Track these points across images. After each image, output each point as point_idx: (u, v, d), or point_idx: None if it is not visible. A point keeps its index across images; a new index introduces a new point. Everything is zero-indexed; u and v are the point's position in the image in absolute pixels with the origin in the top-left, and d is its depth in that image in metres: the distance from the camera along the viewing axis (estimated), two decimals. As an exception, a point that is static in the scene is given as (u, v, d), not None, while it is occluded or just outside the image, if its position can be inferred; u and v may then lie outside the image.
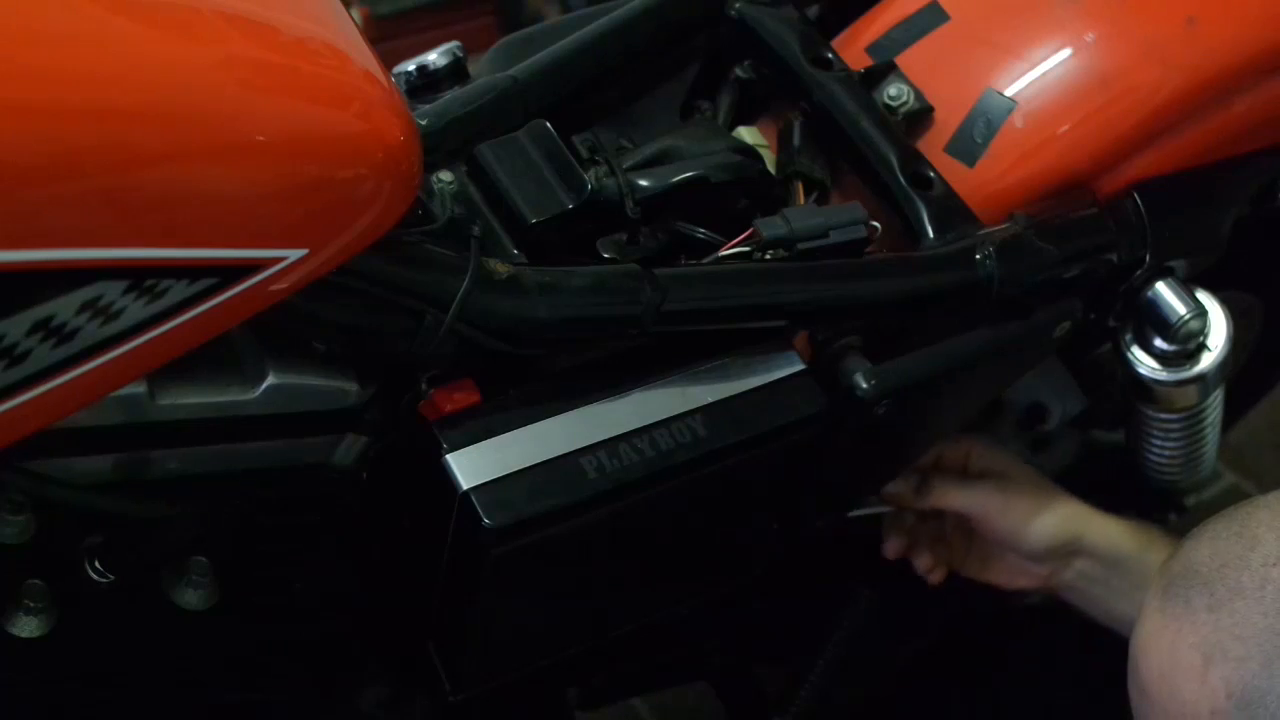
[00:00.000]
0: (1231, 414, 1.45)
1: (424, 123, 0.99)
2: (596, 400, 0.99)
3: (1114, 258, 1.15)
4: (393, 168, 0.81)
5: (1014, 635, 1.40)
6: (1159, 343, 1.19)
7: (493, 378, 0.97)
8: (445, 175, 0.98)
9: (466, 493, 0.93)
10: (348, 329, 0.91)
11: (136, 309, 0.74)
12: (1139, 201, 1.15)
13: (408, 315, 0.90)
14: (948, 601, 1.34)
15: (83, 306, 0.72)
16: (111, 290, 0.72)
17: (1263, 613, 0.83)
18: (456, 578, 0.98)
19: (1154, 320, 1.18)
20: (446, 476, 0.93)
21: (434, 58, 1.09)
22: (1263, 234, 1.29)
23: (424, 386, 0.95)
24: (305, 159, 0.77)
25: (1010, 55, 1.15)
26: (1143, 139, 1.15)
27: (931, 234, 1.09)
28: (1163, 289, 1.18)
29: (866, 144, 1.12)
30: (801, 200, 1.12)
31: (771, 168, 1.13)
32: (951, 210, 1.11)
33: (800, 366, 1.04)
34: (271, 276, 0.78)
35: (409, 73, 1.09)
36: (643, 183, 1.02)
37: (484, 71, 1.09)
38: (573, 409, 0.98)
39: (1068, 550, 1.20)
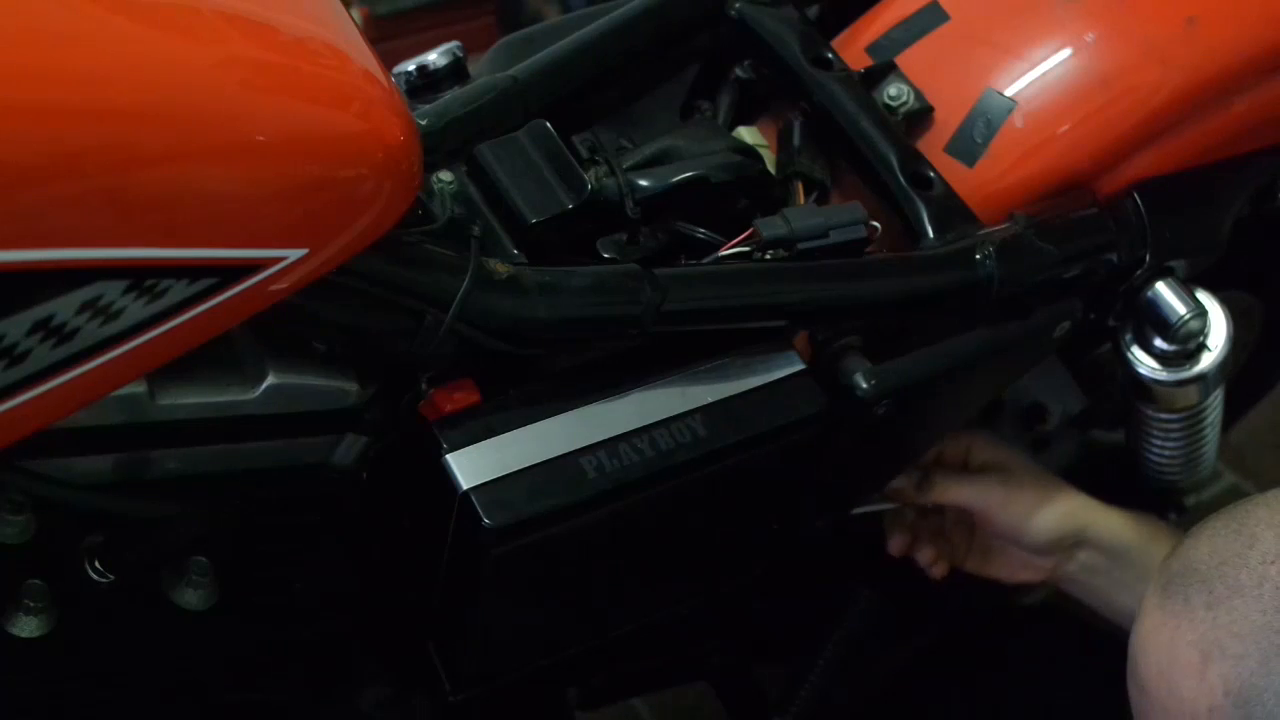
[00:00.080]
0: (1231, 414, 1.45)
1: (424, 123, 0.99)
2: (596, 400, 0.99)
3: (1114, 258, 1.15)
4: (393, 168, 0.81)
5: (1014, 635, 1.40)
6: (1159, 343, 1.19)
7: (493, 378, 0.97)
8: (445, 175, 0.98)
9: (466, 493, 0.93)
10: (348, 329, 0.91)
11: (136, 309, 0.74)
12: (1139, 201, 1.15)
13: (408, 315, 0.90)
14: (948, 601, 1.34)
15: (83, 306, 0.72)
16: (111, 290, 0.72)
17: (1261, 610, 0.83)
18: (456, 578, 0.99)
19: (1154, 320, 1.18)
20: (446, 476, 0.94)
21: (434, 58, 1.09)
22: (1263, 234, 1.29)
23: (424, 386, 0.95)
24: (305, 159, 0.77)
25: (1010, 55, 1.15)
26: (1143, 139, 1.15)
27: (931, 234, 1.09)
28: (1163, 289, 1.18)
29: (866, 144, 1.12)
30: (801, 200, 1.12)
31: (771, 168, 1.13)
32: (951, 210, 1.11)
33: (800, 366, 1.04)
34: (271, 276, 0.78)
35: (409, 73, 1.09)
36: (643, 183, 1.02)
37: (484, 71, 1.09)
38: (573, 409, 0.98)
39: (1071, 542, 1.20)
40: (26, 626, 0.90)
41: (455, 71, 1.09)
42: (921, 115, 1.15)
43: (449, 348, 0.92)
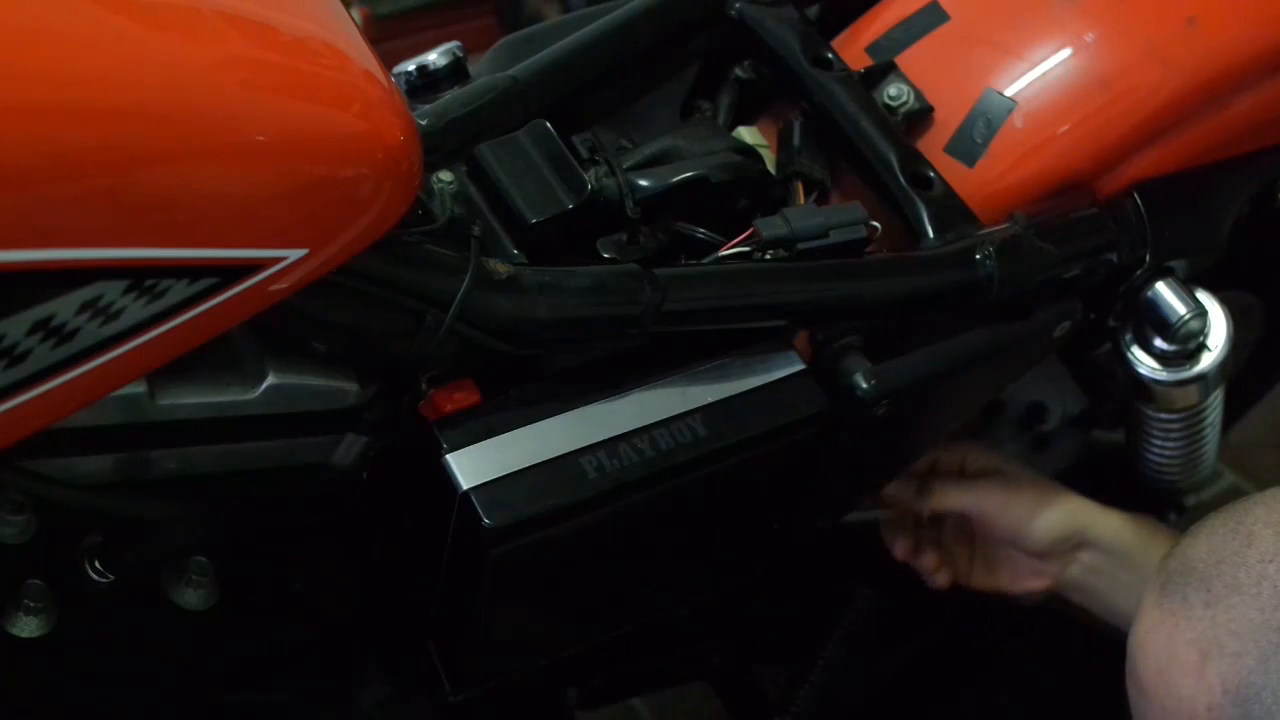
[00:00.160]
0: (1231, 414, 1.45)
1: (424, 123, 0.99)
2: (596, 400, 0.99)
3: (1114, 258, 1.15)
4: (393, 168, 0.81)
5: (1014, 635, 1.40)
6: (1159, 343, 1.19)
7: (493, 378, 0.97)
8: (445, 175, 0.98)
9: (466, 493, 0.93)
10: (348, 329, 0.91)
11: (136, 309, 0.74)
12: (1139, 201, 1.15)
13: (408, 315, 0.90)
14: (948, 600, 1.34)
15: (83, 306, 0.72)
16: (111, 290, 0.72)
17: (1259, 609, 0.83)
18: (456, 578, 0.99)
19: (1154, 320, 1.18)
20: (446, 476, 0.94)
21: (434, 58, 1.09)
22: (1263, 234, 1.29)
23: (424, 386, 0.95)
24: (305, 159, 0.77)
25: (1010, 55, 1.15)
26: (1143, 139, 1.15)
27: (931, 234, 1.09)
28: (1163, 289, 1.18)
29: (866, 144, 1.12)
30: (801, 200, 1.12)
31: (771, 168, 1.13)
32: (951, 210, 1.11)
33: (800, 366, 1.04)
34: (271, 276, 0.78)
35: (409, 73, 1.09)
36: (643, 183, 1.02)
37: (484, 71, 1.09)
38: (573, 409, 0.98)
39: (1073, 544, 1.20)
40: (26, 626, 0.90)
41: (455, 71, 1.09)
42: (921, 115, 1.15)
43: (449, 348, 0.92)
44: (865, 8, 1.23)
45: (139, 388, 0.86)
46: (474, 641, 1.04)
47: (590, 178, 0.99)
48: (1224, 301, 1.21)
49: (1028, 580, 1.23)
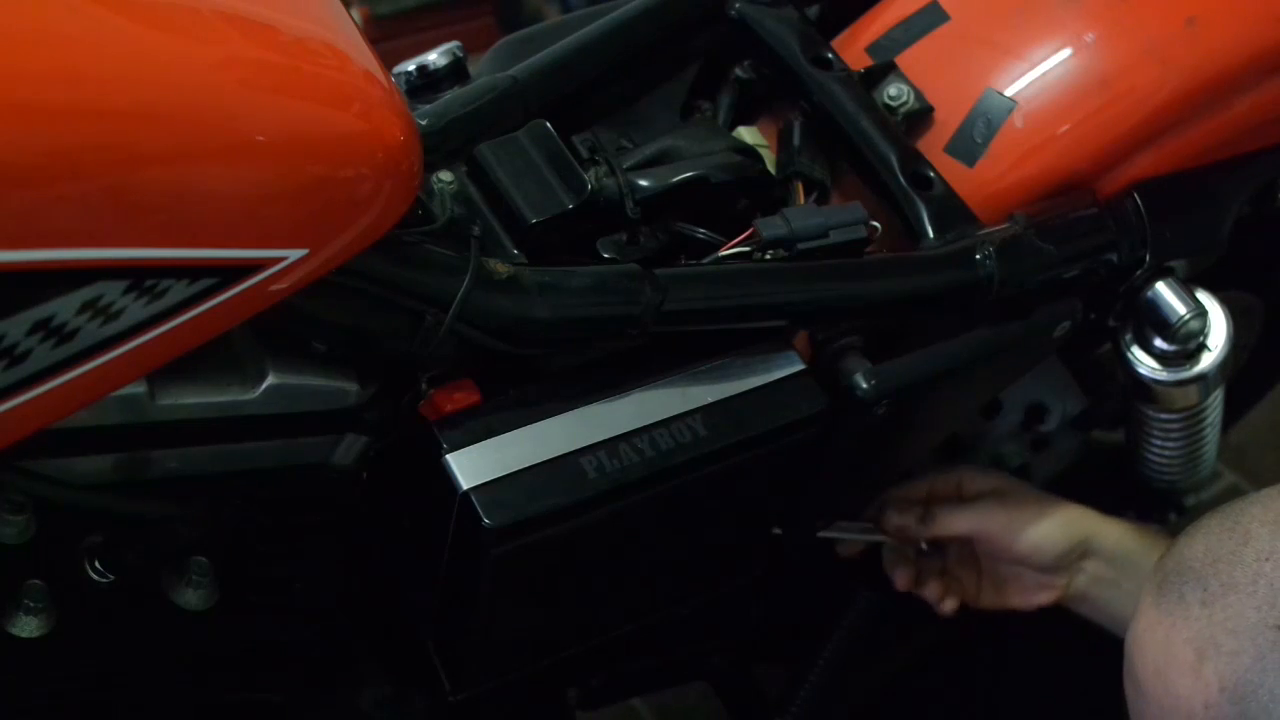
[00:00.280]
0: (1231, 414, 1.45)
1: (424, 123, 0.99)
2: (596, 400, 0.99)
3: (1114, 258, 1.15)
4: (393, 168, 0.81)
5: (1014, 635, 1.40)
6: (1159, 343, 1.19)
7: (493, 378, 0.97)
8: (445, 175, 0.98)
9: (466, 493, 0.93)
10: (348, 329, 0.91)
11: (137, 309, 0.74)
12: (1139, 201, 1.15)
13: (408, 315, 0.90)
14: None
15: (83, 306, 0.72)
16: (112, 290, 0.72)
17: (1255, 607, 0.83)
18: (456, 578, 0.99)
19: (1154, 320, 1.18)
20: (446, 476, 0.94)
21: (434, 58, 1.09)
22: (1263, 234, 1.29)
23: (424, 386, 0.95)
24: (305, 159, 0.77)
25: (1010, 55, 1.15)
26: (1143, 139, 1.15)
27: (931, 234, 1.09)
28: (1163, 289, 1.18)
29: (866, 144, 1.12)
30: (801, 200, 1.12)
31: (771, 168, 1.13)
32: (951, 210, 1.11)
33: (800, 366, 1.04)
34: (271, 276, 0.78)
35: (409, 73, 1.09)
36: (643, 183, 1.02)
37: (484, 71, 1.09)
38: (573, 409, 0.98)
39: (1078, 554, 1.19)
40: (26, 626, 0.90)
41: (455, 71, 1.09)
42: (921, 115, 1.15)
43: (449, 348, 0.92)
44: (865, 8, 1.23)
45: (139, 388, 0.86)
46: (474, 641, 1.04)
47: (590, 178, 0.99)
48: (1224, 301, 1.21)
49: (1036, 595, 1.22)
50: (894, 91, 1.15)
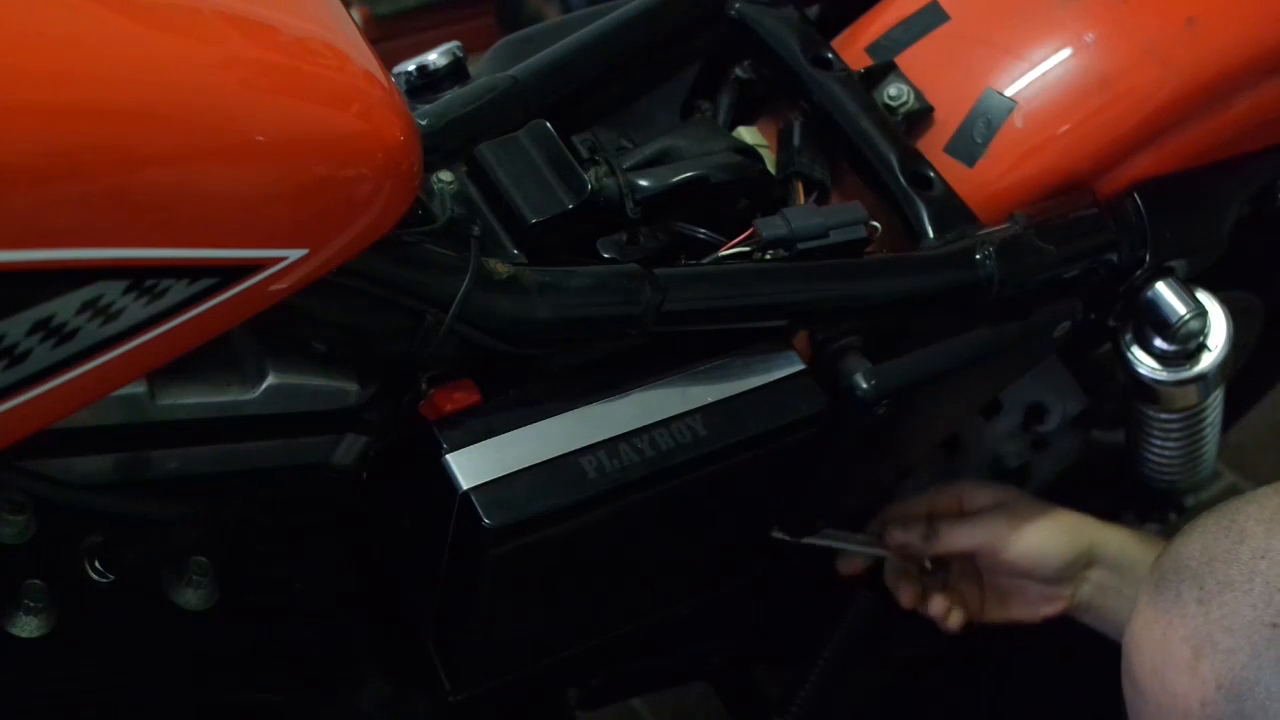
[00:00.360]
0: (1231, 414, 1.45)
1: (424, 123, 0.99)
2: (596, 400, 0.99)
3: (1114, 258, 1.15)
4: (393, 168, 0.81)
5: (1014, 635, 1.40)
6: (1159, 343, 1.19)
7: (493, 378, 0.97)
8: (445, 175, 0.98)
9: (466, 493, 0.93)
10: (348, 329, 0.91)
11: (137, 309, 0.74)
12: (1139, 201, 1.15)
13: (408, 315, 0.90)
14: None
15: (83, 306, 0.72)
16: (111, 290, 0.72)
17: (1251, 605, 0.83)
18: (456, 578, 0.99)
19: (1154, 320, 1.18)
20: (446, 476, 0.94)
21: (434, 58, 1.09)
22: (1263, 234, 1.29)
23: (424, 386, 0.95)
24: (305, 159, 0.77)
25: (1010, 55, 1.15)
26: (1143, 139, 1.15)
27: (931, 234, 1.09)
28: (1163, 289, 1.18)
29: (866, 144, 1.12)
30: (801, 200, 1.12)
31: (771, 168, 1.13)
32: (951, 210, 1.11)
33: (800, 366, 1.04)
34: (271, 276, 0.78)
35: (409, 73, 1.09)
36: (643, 183, 1.02)
37: (484, 71, 1.09)
38: (573, 409, 0.98)
39: (1083, 564, 1.19)
40: (26, 626, 0.90)
41: (455, 71, 1.09)
42: (921, 115, 1.15)
43: (449, 348, 0.92)
44: (865, 8, 1.23)
45: (139, 388, 0.86)
46: (474, 641, 1.04)
47: (590, 178, 0.99)
48: (1224, 301, 1.21)
49: (1042, 607, 1.21)
50: (894, 91, 1.15)
